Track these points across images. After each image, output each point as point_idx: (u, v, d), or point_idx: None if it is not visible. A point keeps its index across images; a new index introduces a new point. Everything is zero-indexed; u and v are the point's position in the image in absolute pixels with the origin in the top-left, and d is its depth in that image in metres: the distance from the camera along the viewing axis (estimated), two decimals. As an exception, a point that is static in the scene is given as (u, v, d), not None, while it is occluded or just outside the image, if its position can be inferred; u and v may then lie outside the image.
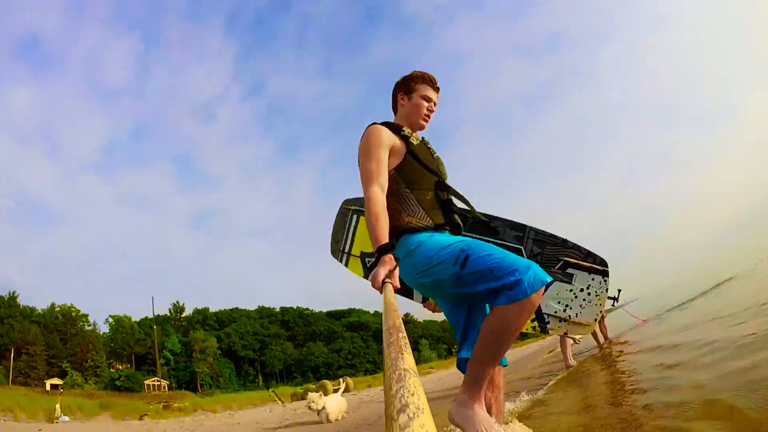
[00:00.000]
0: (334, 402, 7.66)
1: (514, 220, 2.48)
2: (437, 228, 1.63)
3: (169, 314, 58.00)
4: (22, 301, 49.90)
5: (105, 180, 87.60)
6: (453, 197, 1.77)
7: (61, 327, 47.59)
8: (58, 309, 49.49)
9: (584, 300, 2.33)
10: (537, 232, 2.45)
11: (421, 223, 1.61)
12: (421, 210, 1.63)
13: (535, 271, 1.34)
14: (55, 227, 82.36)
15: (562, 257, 2.38)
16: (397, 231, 1.61)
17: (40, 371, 41.42)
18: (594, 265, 2.34)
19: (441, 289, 1.57)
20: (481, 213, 2.44)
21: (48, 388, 37.06)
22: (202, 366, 51.10)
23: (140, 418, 16.35)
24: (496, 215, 2.49)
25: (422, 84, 1.83)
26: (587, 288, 2.34)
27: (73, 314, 50.02)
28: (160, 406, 21.09)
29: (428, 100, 1.83)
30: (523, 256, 2.39)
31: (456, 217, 1.72)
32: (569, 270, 2.37)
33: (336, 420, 7.51)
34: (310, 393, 7.70)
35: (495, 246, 1.46)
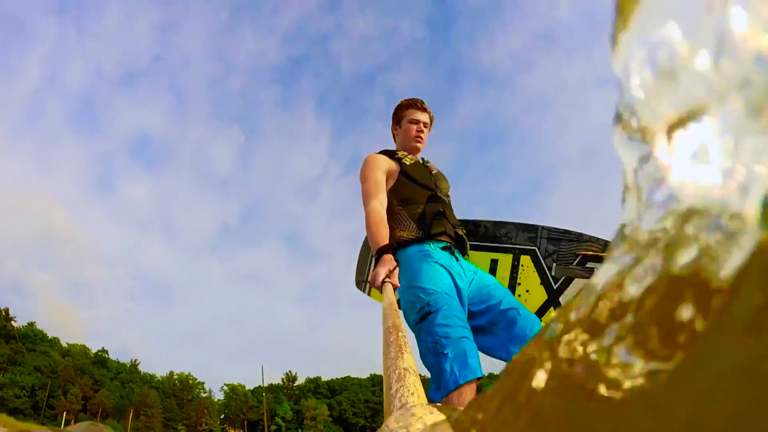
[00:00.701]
0: None
1: (525, 222, 2.37)
2: (428, 238, 1.60)
3: (281, 383, 60.17)
4: (143, 368, 56.30)
5: (219, 259, 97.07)
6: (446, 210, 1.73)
7: (178, 393, 52.09)
8: (176, 377, 54.51)
9: (611, 296, 2.08)
10: (550, 230, 2.29)
11: (411, 235, 1.61)
12: (411, 223, 1.64)
13: (462, 367, 1.24)
14: (174, 303, 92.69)
15: (579, 252, 2.19)
16: (394, 247, 1.61)
17: (156, 432, 44.98)
18: (615, 256, 2.11)
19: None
20: (489, 220, 2.38)
21: (162, 447, 39.91)
22: (312, 433, 51.59)
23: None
24: (506, 220, 2.40)
25: (407, 109, 1.90)
26: (612, 282, 2.09)
27: (190, 382, 54.59)
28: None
29: (415, 122, 1.88)
30: (538, 257, 2.26)
31: (450, 227, 1.67)
32: (589, 264, 2.16)
33: None
34: None
35: (462, 320, 1.38)
